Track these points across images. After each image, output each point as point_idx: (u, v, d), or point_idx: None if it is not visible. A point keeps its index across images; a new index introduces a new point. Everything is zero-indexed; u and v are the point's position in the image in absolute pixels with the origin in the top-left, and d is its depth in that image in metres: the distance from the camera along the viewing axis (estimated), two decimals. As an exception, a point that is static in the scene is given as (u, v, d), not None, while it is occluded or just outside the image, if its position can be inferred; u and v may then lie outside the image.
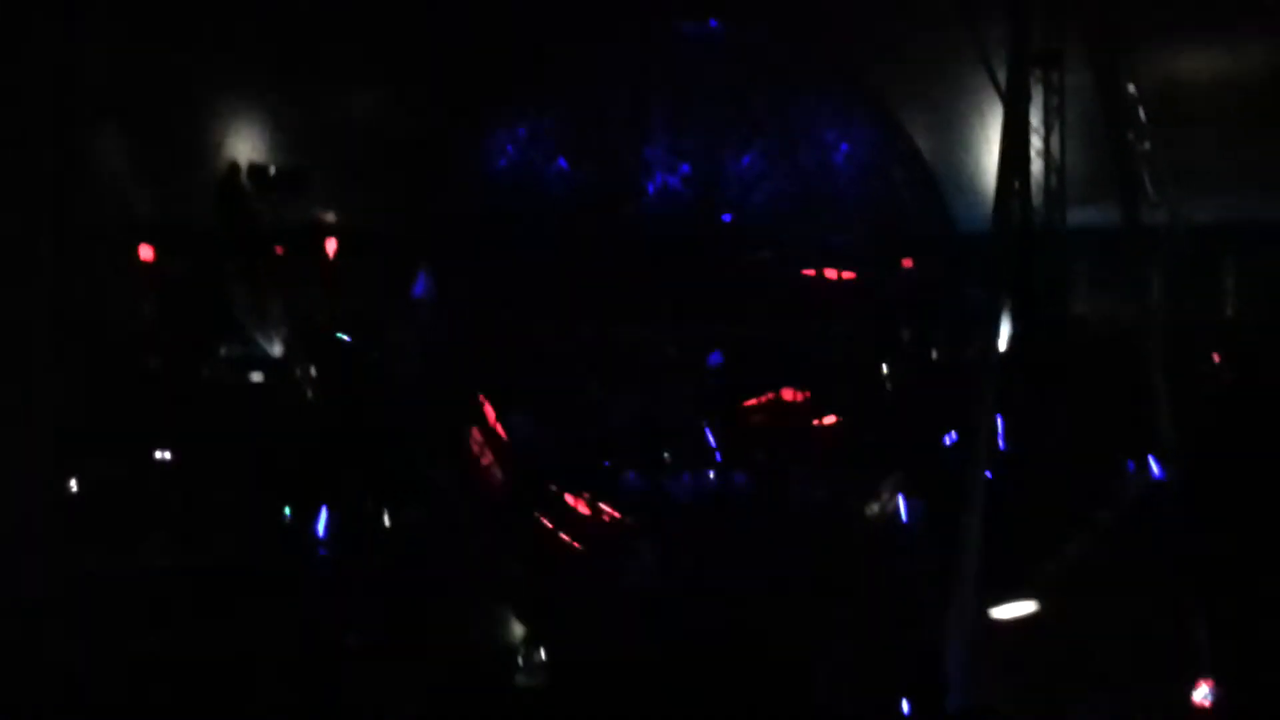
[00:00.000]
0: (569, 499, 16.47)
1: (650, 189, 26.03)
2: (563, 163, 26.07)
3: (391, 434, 16.83)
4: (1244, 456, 14.12)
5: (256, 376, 18.95)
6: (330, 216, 21.15)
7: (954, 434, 16.46)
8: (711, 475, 18.35)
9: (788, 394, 20.24)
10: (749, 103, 26.00)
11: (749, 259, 24.53)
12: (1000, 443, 15.59)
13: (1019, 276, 19.25)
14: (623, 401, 20.31)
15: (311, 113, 22.85)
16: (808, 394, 20.27)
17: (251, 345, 19.39)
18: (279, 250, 20.27)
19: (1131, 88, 19.14)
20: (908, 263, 24.56)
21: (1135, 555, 12.60)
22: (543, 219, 25.60)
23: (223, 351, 19.18)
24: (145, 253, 19.63)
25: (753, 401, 20.25)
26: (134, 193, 19.62)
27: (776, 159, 25.91)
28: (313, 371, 18.72)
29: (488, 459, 17.28)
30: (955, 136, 24.26)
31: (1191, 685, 10.56)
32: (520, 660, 12.10)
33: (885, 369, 21.44)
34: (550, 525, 15.94)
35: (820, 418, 19.70)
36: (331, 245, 20.73)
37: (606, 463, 18.44)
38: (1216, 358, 18.53)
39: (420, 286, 21.38)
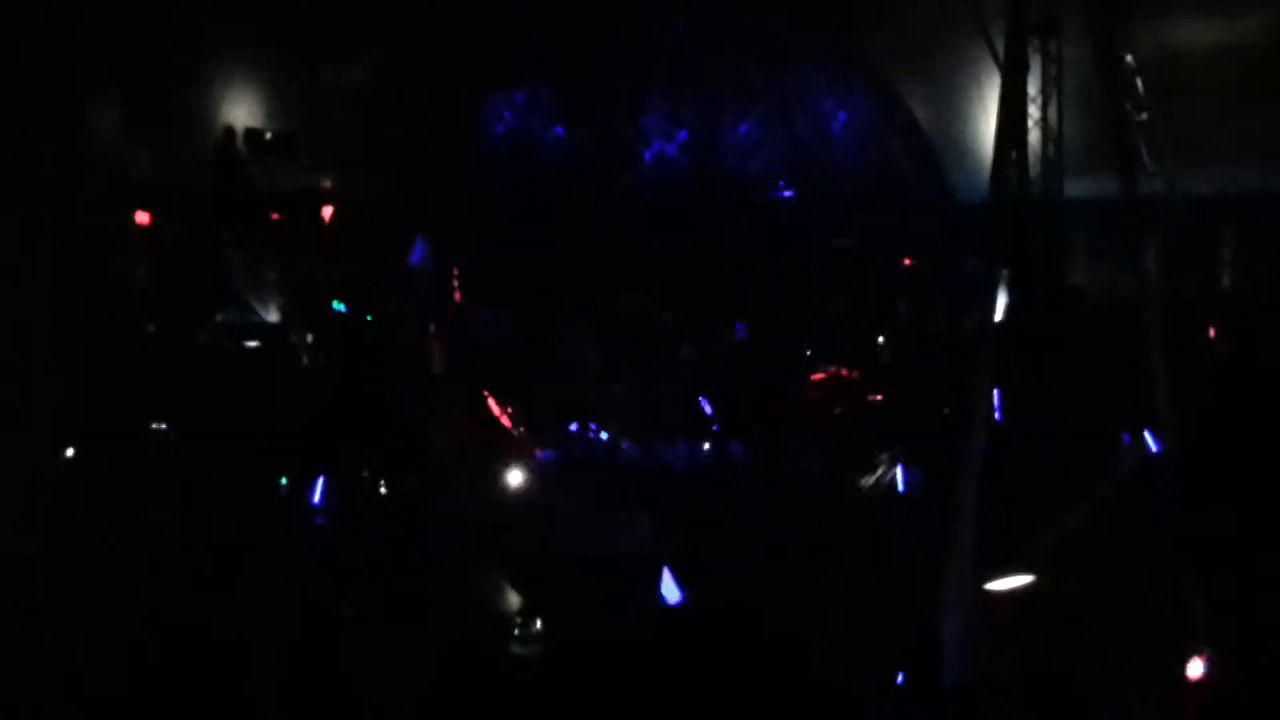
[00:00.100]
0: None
1: (647, 157, 26.02)
2: (560, 130, 26.05)
3: (388, 402, 16.84)
4: (1242, 429, 14.12)
5: (253, 343, 18.93)
6: (327, 183, 21.12)
7: (951, 406, 16.47)
8: (707, 446, 18.39)
9: (785, 364, 20.28)
10: (747, 71, 25.97)
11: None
12: (997, 415, 15.60)
13: (1016, 247, 19.22)
14: (618, 370, 20.34)
15: (308, 78, 22.77)
16: (805, 365, 20.31)
17: (248, 312, 19.38)
18: (275, 216, 20.23)
19: (1129, 58, 19.08)
20: (905, 233, 24.57)
21: (1132, 528, 12.61)
22: (540, 186, 25.61)
23: (219, 318, 19.16)
24: (141, 218, 19.57)
25: (750, 371, 20.28)
26: (130, 157, 19.56)
27: (773, 128, 25.90)
28: (309, 339, 18.71)
29: (483, 429, 17.32)
30: (953, 107, 24.21)
31: (1188, 659, 10.57)
32: (517, 631, 12.10)
33: (882, 340, 21.47)
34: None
35: (817, 388, 19.73)
36: (328, 212, 20.71)
37: (605, 434, 18.49)
38: (1214, 330, 18.50)
39: (417, 254, 21.35)
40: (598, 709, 10.16)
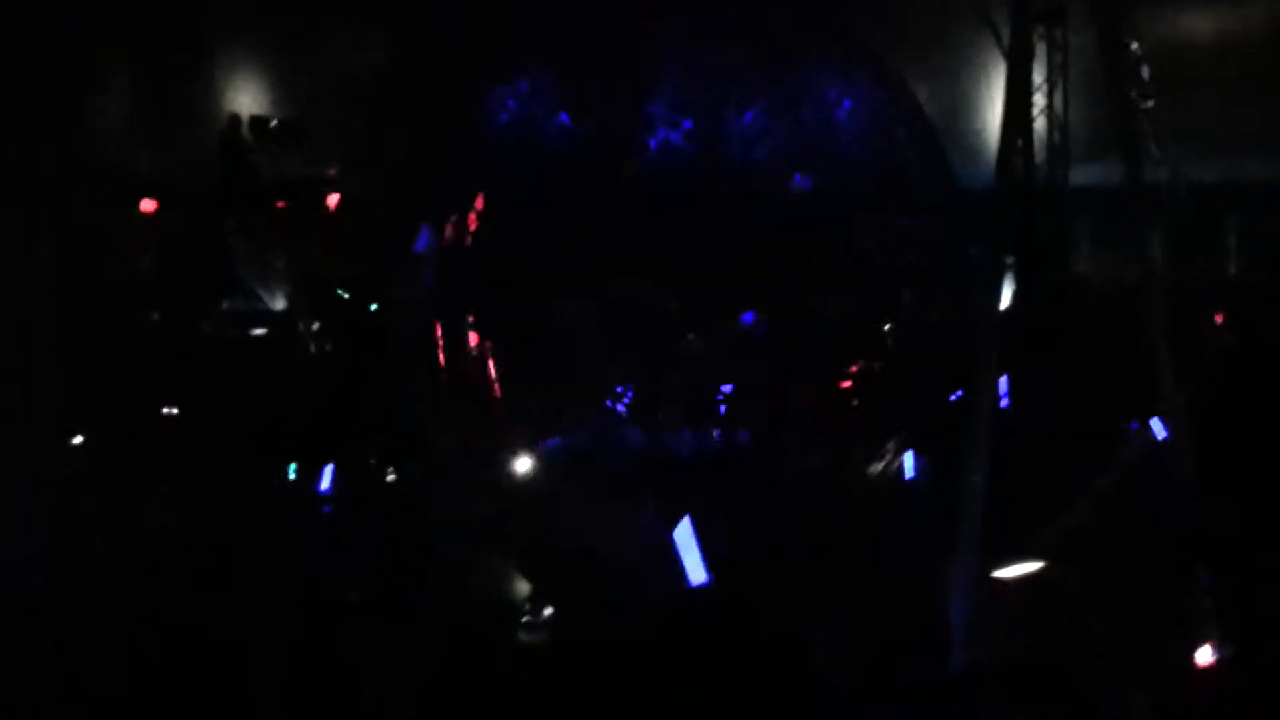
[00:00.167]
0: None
1: (652, 144, 25.97)
2: (564, 118, 26.01)
3: (394, 390, 16.85)
4: (1247, 418, 14.11)
5: (259, 331, 18.96)
6: (332, 171, 21.12)
7: (956, 394, 16.45)
8: (713, 434, 18.38)
9: (791, 353, 20.24)
10: (751, 59, 25.90)
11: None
12: (1003, 403, 15.59)
13: (1021, 235, 19.23)
14: (622, 358, 20.32)
15: (313, 66, 22.77)
16: (811, 353, 20.27)
17: (253, 299, 19.40)
18: (280, 204, 20.25)
19: (1135, 45, 19.07)
20: (909, 221, 24.50)
21: (1138, 517, 12.62)
22: (544, 173, 25.56)
23: (224, 306, 19.18)
24: (147, 206, 19.59)
25: (756, 360, 20.25)
26: (135, 145, 19.59)
27: (778, 116, 25.84)
28: (315, 327, 18.73)
29: (488, 417, 17.32)
30: (958, 94, 24.19)
31: (1195, 649, 10.59)
32: (524, 618, 12.12)
33: (887, 329, 21.43)
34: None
35: (823, 377, 19.71)
36: (333, 200, 20.71)
37: (609, 422, 18.47)
38: (1219, 318, 18.50)
39: (422, 242, 21.34)
40: (599, 701, 10.17)
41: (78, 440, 15.34)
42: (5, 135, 11.68)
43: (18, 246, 11.67)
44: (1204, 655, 10.59)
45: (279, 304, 19.25)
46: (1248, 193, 20.68)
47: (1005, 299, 16.71)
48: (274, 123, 20.41)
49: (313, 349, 18.46)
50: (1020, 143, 18.93)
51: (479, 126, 26.09)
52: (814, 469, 16.78)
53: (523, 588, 12.68)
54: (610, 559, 12.78)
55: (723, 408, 19.19)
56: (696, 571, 12.15)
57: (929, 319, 21.85)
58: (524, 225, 24.21)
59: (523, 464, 16.56)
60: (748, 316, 21.97)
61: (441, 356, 18.93)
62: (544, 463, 16.79)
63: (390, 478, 15.90)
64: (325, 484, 15.32)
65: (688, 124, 26.05)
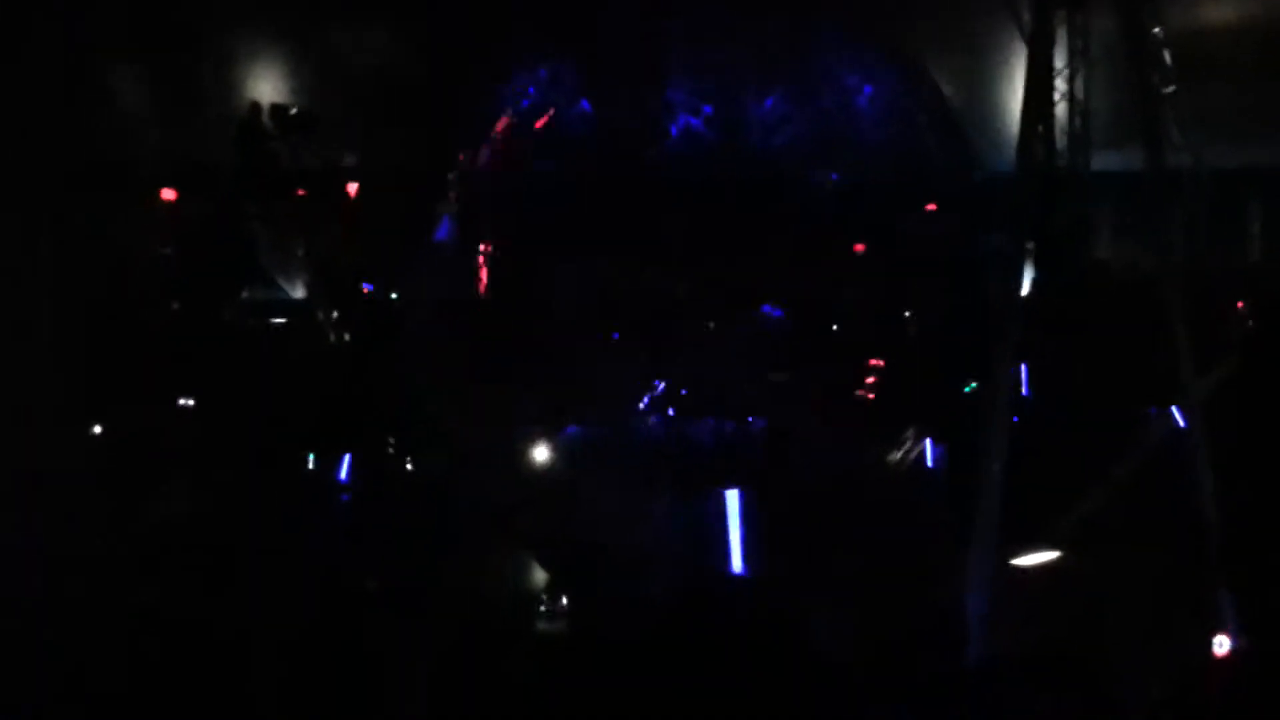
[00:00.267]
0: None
1: (673, 131, 25.93)
2: (585, 104, 25.98)
3: (412, 379, 16.86)
4: (1270, 403, 14.04)
5: (279, 320, 18.97)
6: (352, 159, 21.10)
7: (976, 381, 16.42)
8: (732, 424, 18.36)
9: (811, 341, 20.24)
10: (772, 44, 25.84)
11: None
12: (1024, 390, 15.55)
13: (1041, 222, 19.14)
14: (640, 347, 20.31)
15: (333, 55, 22.76)
16: (831, 341, 20.27)
17: (274, 288, 19.40)
18: (301, 193, 20.24)
19: (1156, 30, 18.98)
20: (931, 207, 24.45)
21: (1156, 504, 12.57)
22: (565, 160, 25.53)
23: (245, 294, 19.19)
24: (168, 194, 19.62)
25: (776, 348, 20.24)
26: (157, 134, 19.61)
27: (799, 101, 25.79)
28: (335, 316, 18.73)
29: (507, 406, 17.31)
30: (979, 80, 24.10)
31: (1211, 636, 10.56)
32: (541, 607, 12.14)
33: (908, 316, 21.40)
34: None
35: (844, 365, 19.69)
36: (353, 188, 20.70)
37: (630, 411, 18.49)
38: (1240, 304, 18.42)
39: (442, 231, 21.36)
40: (612, 690, 10.18)
41: (95, 431, 15.34)
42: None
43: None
44: (1221, 645, 10.56)
45: (299, 292, 19.23)
46: (1270, 179, 20.58)
47: (1025, 286, 16.63)
48: (294, 111, 20.39)
49: (332, 338, 18.45)
50: (1041, 129, 18.79)
51: (500, 114, 26.12)
52: (833, 458, 16.73)
53: (539, 577, 12.69)
54: (625, 550, 12.77)
55: (742, 397, 19.16)
56: (734, 558, 12.17)
57: (950, 305, 21.81)
58: (544, 211, 24.25)
59: (540, 454, 16.55)
60: (767, 307, 21.98)
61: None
62: (561, 452, 16.77)
63: (408, 467, 15.90)
64: (343, 473, 15.33)
65: (708, 109, 26.06)
